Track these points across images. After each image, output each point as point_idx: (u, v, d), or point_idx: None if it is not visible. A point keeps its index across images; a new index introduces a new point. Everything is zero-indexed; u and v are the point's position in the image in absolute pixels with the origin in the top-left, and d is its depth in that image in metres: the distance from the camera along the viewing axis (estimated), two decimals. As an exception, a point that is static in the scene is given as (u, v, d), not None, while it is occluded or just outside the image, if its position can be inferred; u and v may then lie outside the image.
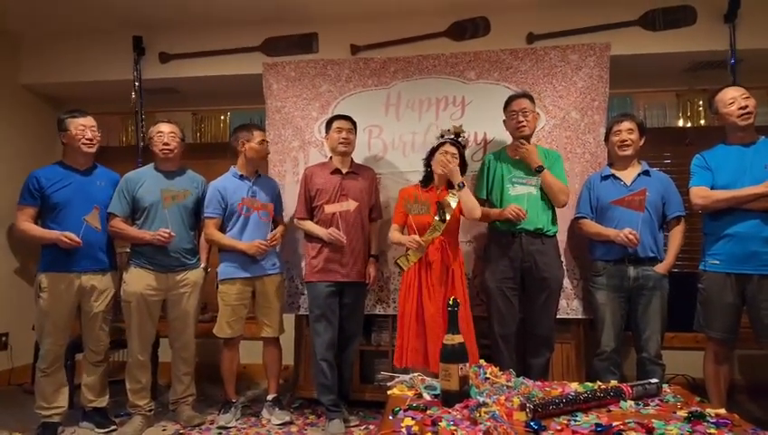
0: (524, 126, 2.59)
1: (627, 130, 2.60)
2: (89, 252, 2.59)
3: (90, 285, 2.62)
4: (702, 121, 3.49)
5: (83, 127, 2.62)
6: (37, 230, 2.56)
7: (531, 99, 2.64)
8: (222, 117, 3.97)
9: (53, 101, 3.96)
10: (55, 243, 2.50)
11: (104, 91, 3.74)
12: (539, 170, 2.55)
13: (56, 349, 2.58)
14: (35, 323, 2.65)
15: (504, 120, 2.71)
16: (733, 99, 2.42)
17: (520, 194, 2.59)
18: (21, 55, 3.73)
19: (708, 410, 1.36)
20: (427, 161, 2.67)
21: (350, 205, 2.67)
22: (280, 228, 2.87)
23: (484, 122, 2.99)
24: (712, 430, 1.22)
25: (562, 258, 2.74)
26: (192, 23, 3.47)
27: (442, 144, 2.59)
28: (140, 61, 3.56)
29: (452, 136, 2.63)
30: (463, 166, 2.63)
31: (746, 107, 2.39)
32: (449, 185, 2.64)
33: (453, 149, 2.57)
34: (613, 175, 2.64)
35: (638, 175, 2.60)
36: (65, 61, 3.66)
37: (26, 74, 3.73)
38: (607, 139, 2.72)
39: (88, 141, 2.63)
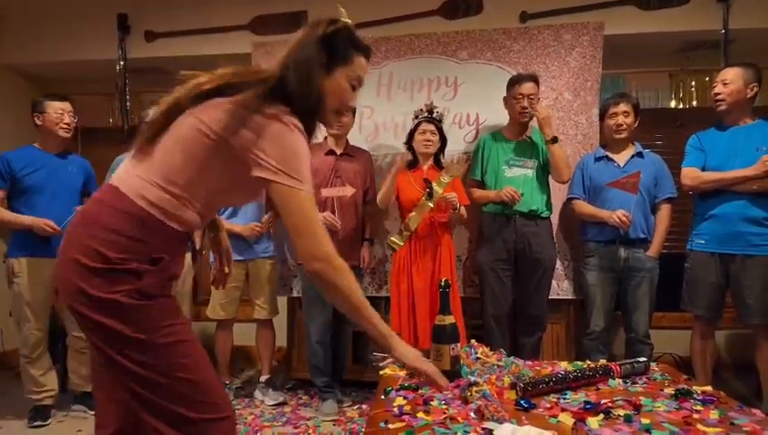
0: (527, 113, 2.57)
1: (623, 114, 2.57)
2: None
3: None
4: (694, 103, 3.49)
5: (62, 111, 2.58)
6: (9, 215, 2.50)
7: (537, 82, 2.59)
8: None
9: (37, 81, 3.86)
10: (29, 228, 2.46)
11: (89, 70, 3.65)
12: (554, 141, 2.51)
13: (37, 333, 2.56)
14: (12, 309, 2.62)
15: (504, 99, 2.67)
16: (715, 83, 2.42)
17: (516, 176, 2.59)
18: (2, 34, 3.61)
19: (695, 387, 1.39)
20: (409, 144, 2.68)
21: (347, 191, 2.65)
22: (274, 211, 2.85)
23: (477, 103, 2.96)
24: (698, 407, 1.24)
25: (554, 240, 2.75)
26: (179, 0, 3.38)
27: (419, 124, 2.61)
28: (125, 39, 3.47)
29: (426, 114, 2.62)
30: (443, 141, 2.64)
31: (718, 94, 2.39)
32: (437, 164, 2.64)
33: (431, 127, 2.60)
34: (606, 156, 2.64)
35: (632, 157, 2.60)
36: (48, 40, 3.56)
37: (8, 54, 3.63)
38: (602, 119, 2.71)
39: (65, 126, 2.59)
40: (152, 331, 1.01)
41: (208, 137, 1.05)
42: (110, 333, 1.00)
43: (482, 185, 2.71)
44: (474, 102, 2.98)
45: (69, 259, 1.01)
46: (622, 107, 2.58)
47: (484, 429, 1.08)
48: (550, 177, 2.70)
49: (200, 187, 1.07)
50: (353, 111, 2.75)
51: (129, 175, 1.07)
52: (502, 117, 2.79)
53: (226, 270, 1.42)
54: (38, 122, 2.60)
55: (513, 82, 2.59)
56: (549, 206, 2.67)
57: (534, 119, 2.60)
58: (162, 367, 1.02)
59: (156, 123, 1.08)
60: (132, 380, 1.02)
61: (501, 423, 1.10)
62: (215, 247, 1.40)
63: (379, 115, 3.05)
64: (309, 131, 1.11)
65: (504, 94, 2.70)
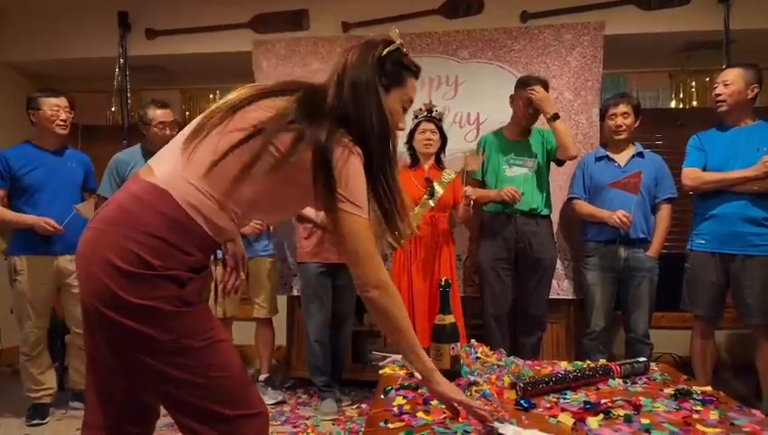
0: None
1: (622, 115, 2.57)
2: (66, 236, 2.50)
3: (67, 266, 2.57)
4: (694, 103, 3.49)
5: (57, 107, 2.53)
6: (11, 214, 2.48)
7: (547, 87, 2.57)
8: (211, 95, 3.91)
9: (37, 78, 3.85)
10: (31, 227, 2.45)
11: (89, 68, 3.65)
12: (555, 117, 2.48)
13: (37, 332, 2.55)
14: (13, 306, 2.62)
15: (510, 97, 2.66)
16: (716, 84, 2.42)
17: (516, 175, 2.59)
18: (2, 32, 3.61)
19: (695, 387, 1.39)
20: (409, 144, 2.68)
21: None
22: None
23: (478, 102, 2.97)
24: (698, 407, 1.24)
25: (555, 239, 2.75)
26: (179, -2, 3.39)
27: (419, 123, 2.62)
28: (126, 37, 3.47)
29: (425, 113, 2.63)
30: (443, 140, 2.65)
31: (719, 95, 2.38)
32: (438, 163, 2.65)
33: (431, 126, 2.60)
34: (607, 156, 2.64)
35: (632, 157, 2.60)
36: (48, 37, 3.55)
37: (8, 51, 3.62)
38: (602, 119, 2.71)
39: (62, 123, 2.55)
40: (190, 336, 1.00)
41: (275, 158, 1.03)
42: (143, 338, 0.97)
43: (482, 184, 2.71)
44: (474, 102, 2.98)
45: (102, 259, 0.97)
46: (622, 108, 2.57)
47: (486, 426, 1.08)
48: (549, 175, 2.70)
49: (251, 203, 1.06)
50: None
51: (176, 177, 1.01)
52: (502, 116, 2.78)
53: (242, 276, 1.40)
54: (33, 119, 2.56)
55: (524, 84, 2.57)
56: (548, 204, 2.67)
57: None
58: (200, 368, 1.00)
59: (231, 144, 1.02)
60: (167, 383, 1.00)
61: (502, 423, 1.09)
62: (230, 254, 1.37)
63: (380, 114, 3.04)
64: (374, 155, 1.09)
65: (504, 93, 2.70)
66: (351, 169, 1.05)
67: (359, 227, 1.06)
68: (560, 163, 2.66)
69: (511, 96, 2.65)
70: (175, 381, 0.99)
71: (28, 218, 2.46)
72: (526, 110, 2.55)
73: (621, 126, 2.57)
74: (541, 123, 2.73)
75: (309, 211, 2.69)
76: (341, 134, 1.05)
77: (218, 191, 1.02)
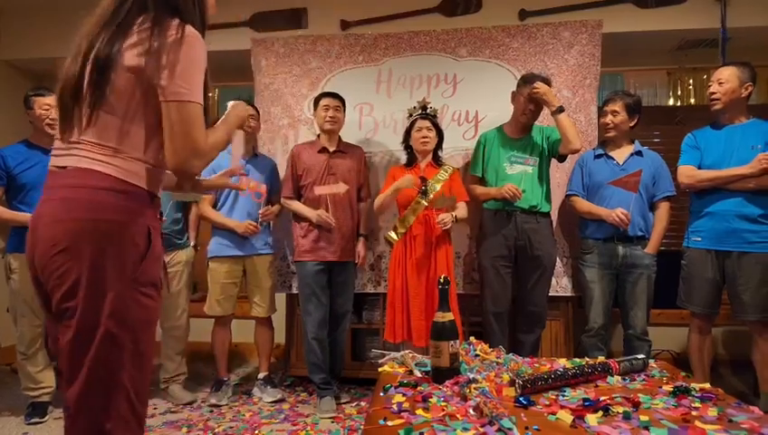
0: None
1: (611, 112, 2.59)
2: None
3: None
4: (692, 100, 3.50)
5: (48, 106, 2.53)
6: (6, 212, 2.49)
7: (550, 85, 2.56)
8: (210, 94, 3.89)
9: (36, 76, 3.84)
10: (24, 225, 2.45)
11: (87, 66, 3.63)
12: (560, 110, 2.46)
13: (33, 329, 2.55)
14: (9, 305, 2.62)
15: (512, 93, 2.65)
16: (710, 82, 2.43)
17: (516, 173, 2.59)
18: (2, 31, 3.60)
19: (693, 384, 1.39)
20: (406, 143, 2.68)
21: (341, 188, 2.64)
22: (275, 207, 2.84)
23: (476, 100, 2.97)
24: (697, 404, 1.25)
25: (554, 237, 2.75)
26: (177, -4, 3.37)
27: (414, 121, 2.62)
28: (124, 35, 3.45)
29: (420, 111, 2.63)
30: (440, 136, 2.65)
31: (714, 93, 2.40)
32: (435, 160, 2.64)
33: (426, 123, 2.60)
34: (606, 154, 2.64)
35: (631, 155, 2.61)
36: (47, 35, 3.54)
37: (7, 50, 3.61)
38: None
39: (51, 122, 2.54)
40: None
41: (133, 76, 1.10)
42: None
43: (482, 182, 2.71)
44: (473, 100, 2.98)
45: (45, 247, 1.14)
46: (611, 106, 2.59)
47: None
48: (549, 172, 2.70)
49: (139, 136, 1.14)
50: (343, 108, 2.75)
51: (73, 152, 1.12)
52: (501, 114, 2.79)
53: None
54: (30, 118, 2.58)
55: (527, 82, 2.55)
56: (548, 201, 2.66)
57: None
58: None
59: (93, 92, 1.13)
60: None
61: (501, 419, 1.09)
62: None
63: (379, 112, 3.05)
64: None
65: (503, 91, 2.70)
66: (184, 52, 1.14)
67: (186, 112, 1.15)
68: (561, 159, 2.65)
69: (512, 93, 2.65)
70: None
71: (22, 216, 2.46)
72: (527, 106, 2.55)
73: (609, 123, 2.59)
74: (540, 121, 2.74)
75: (305, 210, 2.70)
76: (173, 20, 1.13)
77: (107, 140, 1.10)
